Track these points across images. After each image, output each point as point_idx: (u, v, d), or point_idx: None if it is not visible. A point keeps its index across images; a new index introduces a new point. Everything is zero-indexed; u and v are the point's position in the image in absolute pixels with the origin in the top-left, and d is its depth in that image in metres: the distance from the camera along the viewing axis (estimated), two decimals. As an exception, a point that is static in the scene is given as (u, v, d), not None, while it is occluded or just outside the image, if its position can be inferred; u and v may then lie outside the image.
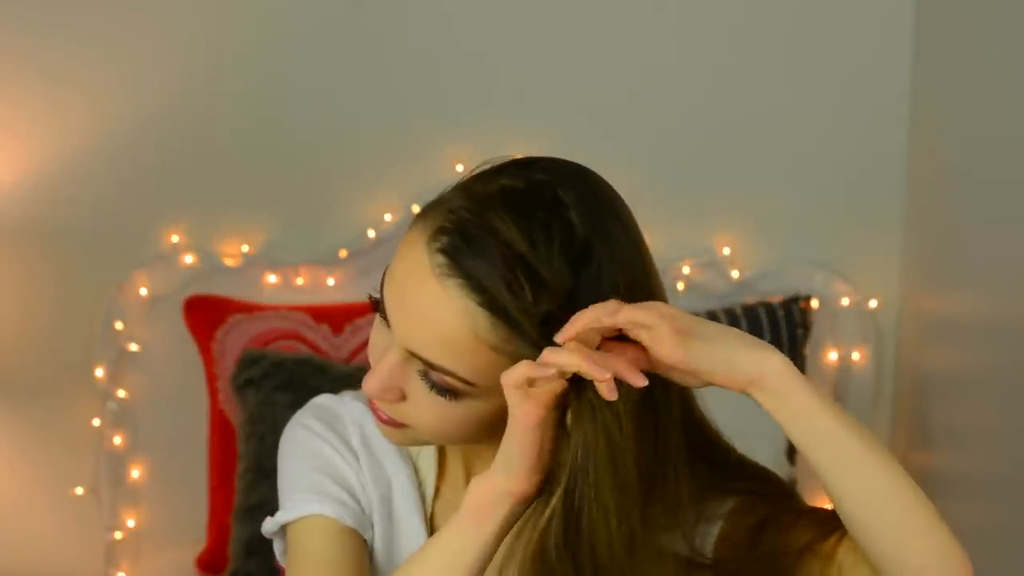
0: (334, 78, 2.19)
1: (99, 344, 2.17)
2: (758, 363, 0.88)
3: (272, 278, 2.20)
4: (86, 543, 2.21)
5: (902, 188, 2.19)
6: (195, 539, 2.12)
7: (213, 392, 2.12)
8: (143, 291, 2.18)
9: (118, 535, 2.19)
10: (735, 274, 2.20)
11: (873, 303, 2.21)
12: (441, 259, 0.88)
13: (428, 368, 0.90)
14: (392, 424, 0.95)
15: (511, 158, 0.94)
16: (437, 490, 1.07)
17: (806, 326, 2.13)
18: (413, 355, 0.90)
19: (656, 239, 2.18)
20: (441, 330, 0.88)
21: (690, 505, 0.97)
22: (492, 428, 0.94)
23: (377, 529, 1.04)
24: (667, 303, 0.92)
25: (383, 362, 0.92)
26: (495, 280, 0.86)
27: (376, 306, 0.93)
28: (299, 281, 2.20)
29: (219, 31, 2.18)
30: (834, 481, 0.89)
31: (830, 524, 0.95)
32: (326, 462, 1.04)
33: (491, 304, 0.86)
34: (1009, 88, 1.79)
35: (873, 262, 2.22)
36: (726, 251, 2.21)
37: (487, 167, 0.94)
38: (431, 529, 1.05)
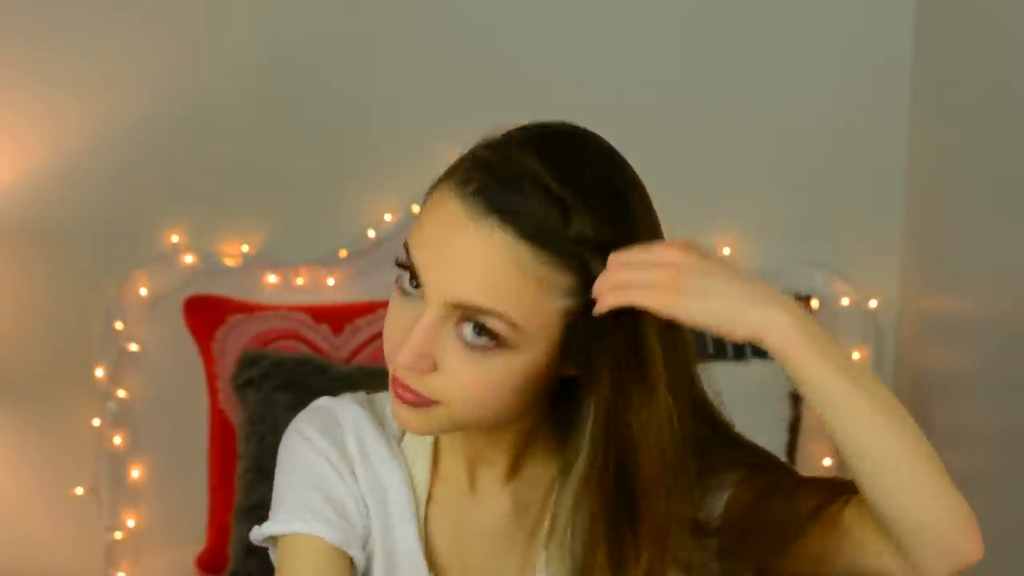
0: (334, 78, 2.19)
1: (99, 344, 2.17)
2: (760, 321, 0.88)
3: (272, 278, 2.20)
4: (86, 543, 2.22)
5: (902, 188, 2.19)
6: (195, 539, 2.12)
7: (213, 392, 2.12)
8: (143, 291, 2.18)
9: (118, 535, 2.19)
10: (736, 273, 2.20)
11: (873, 303, 2.21)
12: (474, 201, 0.89)
13: (475, 314, 0.89)
14: (419, 403, 0.93)
15: (525, 123, 0.98)
16: (431, 492, 1.06)
17: (806, 326, 2.13)
18: (457, 307, 0.89)
19: (656, 239, 2.20)
20: (486, 270, 0.88)
21: (698, 473, 0.97)
22: (522, 398, 0.93)
23: (376, 535, 1.04)
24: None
25: (416, 329, 0.91)
26: (530, 210, 0.88)
27: (404, 272, 0.93)
28: (299, 281, 2.20)
29: (219, 31, 2.18)
30: (844, 440, 0.89)
31: (835, 490, 0.96)
32: (320, 477, 1.02)
33: (531, 234, 0.88)
34: (1009, 88, 1.79)
35: (873, 262, 2.22)
36: (726, 251, 2.21)
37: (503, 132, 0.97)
38: (424, 533, 1.04)
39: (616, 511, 0.93)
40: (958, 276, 2.01)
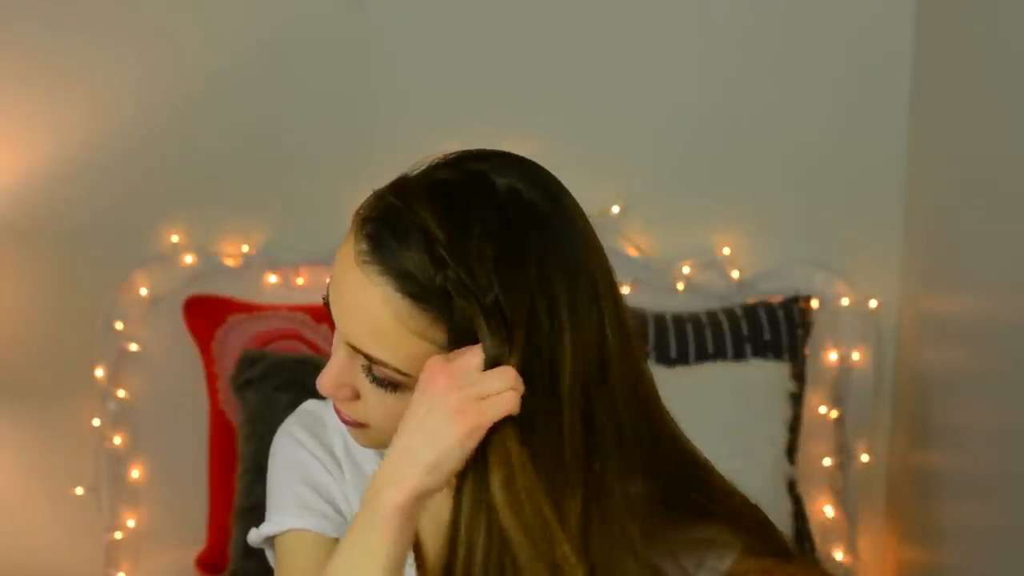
0: (334, 78, 2.19)
1: (99, 344, 2.17)
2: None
3: (272, 278, 2.20)
4: (86, 543, 2.22)
5: (902, 188, 2.19)
6: (195, 539, 2.13)
7: (213, 392, 2.12)
8: (143, 291, 2.18)
9: (118, 535, 2.19)
10: (735, 274, 2.20)
11: (873, 303, 2.21)
12: (364, 246, 0.89)
13: (367, 360, 0.90)
14: (354, 424, 0.96)
15: (457, 152, 0.94)
16: None
17: (806, 326, 2.13)
18: (354, 349, 0.91)
19: (656, 239, 2.20)
20: (368, 319, 0.88)
21: (690, 552, 0.96)
22: None
23: None
24: (617, 294, 0.91)
25: (332, 359, 0.93)
26: (413, 267, 0.87)
27: (328, 307, 0.94)
28: (299, 281, 2.21)
29: (219, 32, 2.18)
30: None
31: None
32: (309, 474, 1.05)
33: (410, 290, 0.87)
34: (1008, 89, 1.79)
35: (873, 262, 2.22)
36: (726, 251, 2.21)
37: (431, 160, 0.93)
38: None
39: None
40: (958, 276, 2.01)
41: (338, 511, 1.04)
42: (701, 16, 2.18)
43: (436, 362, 0.87)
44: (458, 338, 0.87)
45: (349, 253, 0.90)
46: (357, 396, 0.94)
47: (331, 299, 0.92)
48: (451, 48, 2.19)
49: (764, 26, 2.18)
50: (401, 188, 0.90)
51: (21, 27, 2.15)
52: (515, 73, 2.19)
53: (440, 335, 0.88)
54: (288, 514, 1.03)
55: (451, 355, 0.87)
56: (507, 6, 2.18)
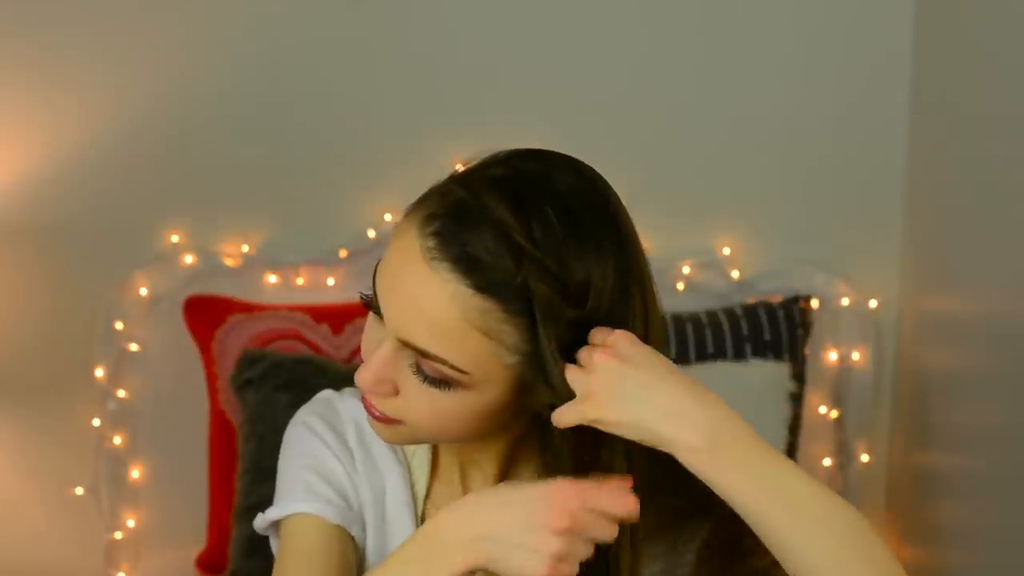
0: (334, 78, 2.19)
1: (99, 344, 2.17)
2: (671, 440, 0.87)
3: (272, 278, 2.20)
4: (86, 543, 2.22)
5: (902, 188, 2.19)
6: (195, 539, 2.13)
7: (213, 392, 2.12)
8: (143, 291, 2.18)
9: (118, 535, 2.19)
10: (735, 274, 2.20)
11: (873, 303, 2.21)
12: (432, 242, 0.88)
13: (420, 357, 0.89)
14: (385, 421, 0.95)
15: (507, 150, 0.94)
16: (429, 489, 1.07)
17: (806, 326, 2.13)
18: (406, 344, 0.90)
19: (656, 239, 2.19)
20: (432, 315, 0.87)
21: (664, 534, 0.97)
22: (486, 424, 0.94)
23: (370, 529, 1.05)
24: (657, 315, 0.93)
25: (376, 354, 0.92)
26: (485, 262, 0.86)
27: (368, 304, 0.94)
28: (299, 281, 2.21)
29: (220, 31, 2.18)
30: (770, 545, 0.88)
31: None
32: (319, 461, 1.04)
33: (481, 286, 0.86)
34: (1008, 89, 1.79)
35: (873, 262, 2.22)
36: (726, 251, 2.21)
37: (482, 158, 0.94)
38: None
39: None
40: (958, 276, 2.01)
41: (344, 498, 1.03)
42: (701, 16, 2.18)
43: (568, 485, 0.85)
44: (532, 332, 0.87)
45: (411, 249, 0.88)
46: (396, 392, 0.93)
47: (382, 295, 0.91)
48: (451, 48, 2.19)
49: (764, 26, 2.18)
50: (466, 183, 0.90)
51: (21, 27, 2.15)
52: (515, 73, 2.19)
53: (509, 335, 0.88)
54: (294, 499, 1.03)
55: (586, 487, 0.85)
56: (507, 6, 2.18)
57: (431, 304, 0.87)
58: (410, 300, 0.89)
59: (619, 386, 0.87)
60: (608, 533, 0.85)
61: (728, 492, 0.87)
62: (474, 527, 0.84)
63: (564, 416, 0.89)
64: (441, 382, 0.90)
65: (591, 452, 0.92)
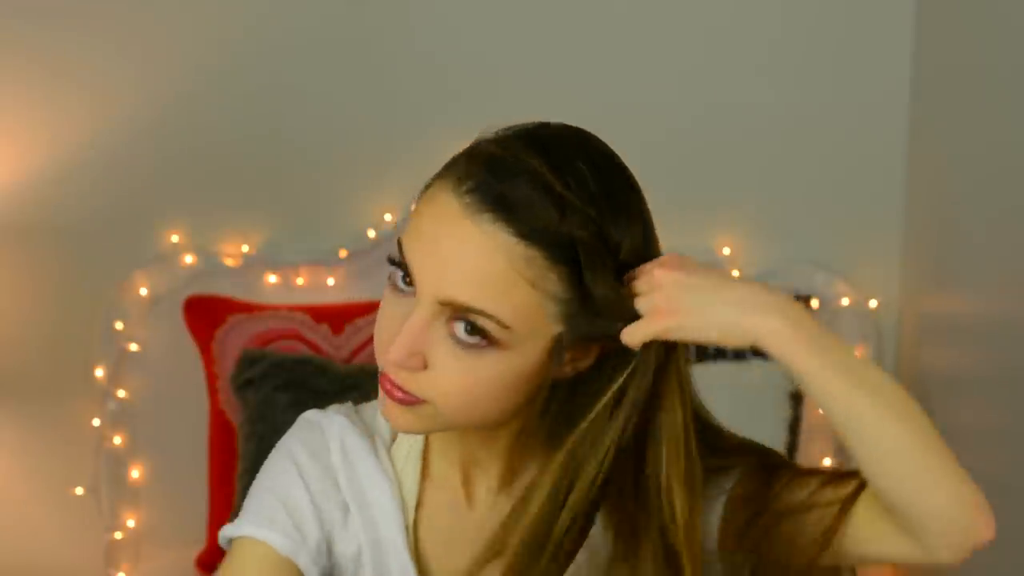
0: (334, 78, 2.19)
1: (99, 344, 2.17)
2: (755, 329, 0.89)
3: (272, 278, 2.20)
4: (86, 543, 2.22)
5: (902, 188, 2.19)
6: (195, 539, 2.13)
7: (213, 392, 2.12)
8: (143, 291, 2.18)
9: (118, 535, 2.19)
10: (735, 274, 2.20)
11: (873, 303, 2.21)
12: (470, 198, 0.88)
13: (465, 314, 0.88)
14: (409, 402, 0.93)
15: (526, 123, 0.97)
16: (421, 497, 1.05)
17: (806, 326, 2.13)
18: (448, 304, 0.88)
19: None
20: (478, 268, 0.87)
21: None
22: (513, 398, 0.92)
23: (364, 545, 1.03)
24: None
25: (407, 326, 0.90)
26: (527, 209, 0.87)
27: (399, 265, 0.92)
28: (299, 281, 2.20)
29: (219, 31, 2.18)
30: (848, 434, 0.90)
31: (842, 477, 0.97)
32: (286, 492, 1.02)
33: (527, 233, 0.87)
34: (1009, 88, 1.79)
35: (873, 262, 2.22)
36: (726, 251, 2.21)
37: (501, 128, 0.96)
38: (414, 539, 1.04)
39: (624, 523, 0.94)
40: (958, 276, 2.01)
41: (303, 533, 1.01)
42: (701, 16, 2.18)
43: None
44: (574, 280, 0.89)
45: (447, 209, 0.88)
46: (425, 366, 0.91)
47: (417, 260, 0.89)
48: (451, 48, 2.19)
49: (764, 26, 2.18)
50: (496, 141, 0.92)
51: (21, 26, 2.15)
52: (515, 73, 2.19)
53: (553, 283, 0.88)
54: (249, 521, 1.02)
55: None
56: (507, 6, 2.19)
57: (477, 257, 0.87)
58: (454, 258, 0.88)
59: (688, 294, 0.90)
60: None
61: (814, 379, 0.89)
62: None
63: (637, 332, 0.90)
64: (477, 347, 0.89)
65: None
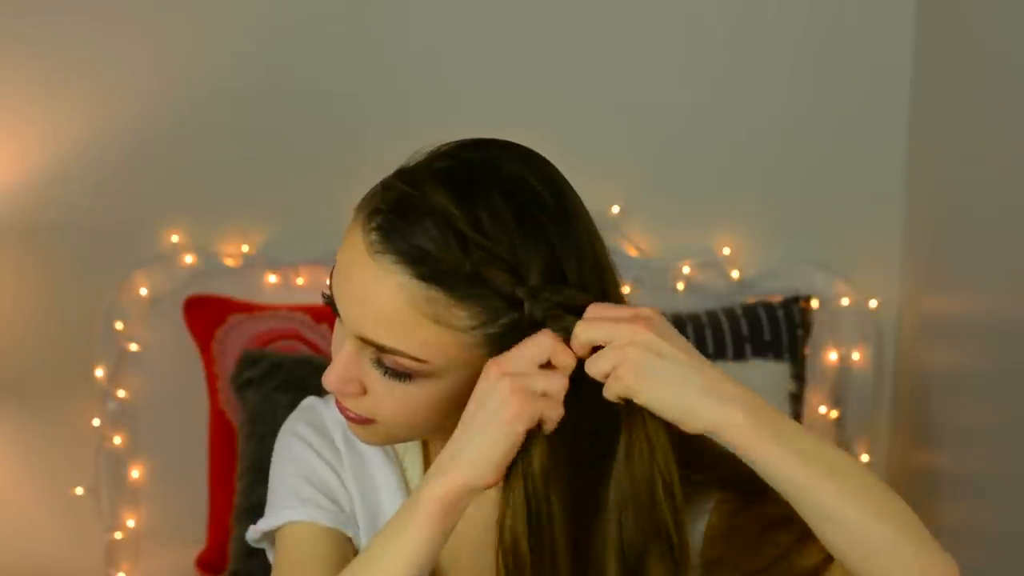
0: (334, 78, 2.19)
1: (99, 344, 2.17)
2: (713, 419, 0.86)
3: (272, 278, 2.21)
4: (86, 543, 2.22)
5: (902, 188, 2.19)
6: (195, 539, 2.13)
7: (213, 392, 2.12)
8: (143, 291, 2.18)
9: (118, 535, 2.19)
10: (735, 274, 2.20)
11: (873, 303, 2.21)
12: (376, 236, 0.88)
13: (379, 352, 0.90)
14: (359, 421, 0.95)
15: (452, 141, 0.95)
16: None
17: (806, 326, 2.13)
18: (364, 341, 0.90)
19: (656, 239, 2.20)
20: (382, 309, 0.88)
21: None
22: (458, 411, 0.93)
23: (363, 530, 1.05)
24: (620, 296, 0.92)
25: (339, 355, 0.92)
26: (429, 251, 0.87)
27: (329, 303, 0.94)
28: (299, 281, 2.21)
29: (219, 31, 2.18)
30: (810, 518, 0.89)
31: (811, 538, 0.95)
32: (307, 467, 1.05)
33: (425, 275, 0.87)
34: (1009, 88, 1.79)
35: (873, 262, 2.22)
36: (726, 251, 2.21)
37: (428, 150, 0.94)
38: None
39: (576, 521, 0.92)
40: (958, 276, 2.01)
41: (336, 502, 1.04)
42: (701, 16, 2.18)
43: (492, 360, 0.88)
44: (487, 316, 0.87)
45: (357, 245, 0.89)
46: (364, 391, 0.93)
47: (336, 293, 0.92)
48: (451, 48, 2.19)
49: (764, 26, 2.18)
50: (408, 177, 0.90)
51: (21, 26, 2.15)
52: (515, 73, 2.19)
53: (462, 319, 0.88)
54: (285, 507, 1.03)
55: (507, 353, 0.87)
56: (507, 6, 2.18)
57: (379, 297, 0.88)
58: (361, 296, 0.89)
59: (659, 363, 0.86)
60: (548, 380, 0.86)
61: (773, 467, 0.87)
62: (445, 458, 0.88)
63: (608, 390, 0.87)
64: (404, 375, 0.90)
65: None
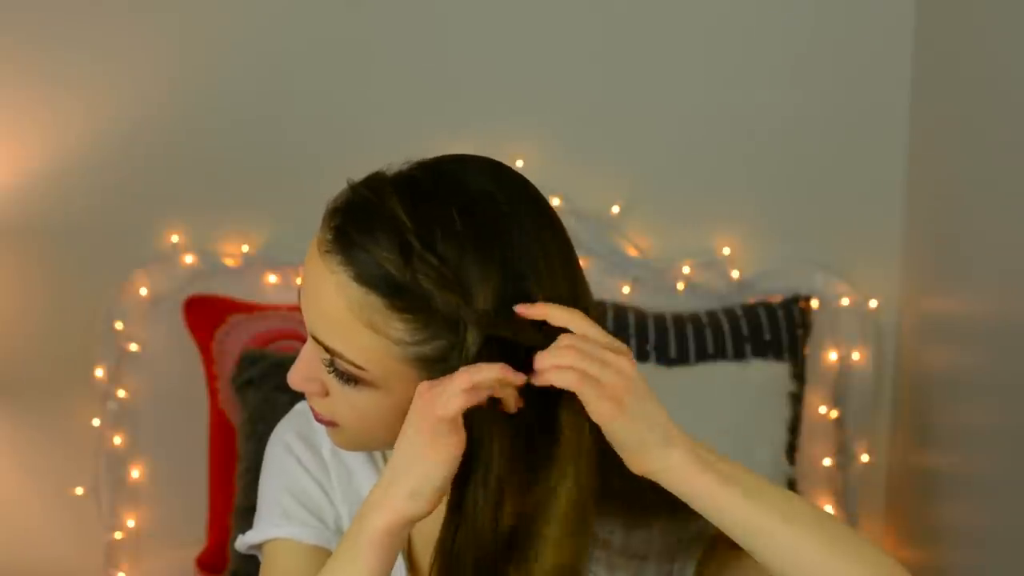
0: (334, 78, 2.19)
1: (99, 344, 2.17)
2: (661, 458, 0.87)
3: (272, 278, 2.21)
4: (86, 543, 2.22)
5: (902, 188, 2.19)
6: (195, 539, 2.13)
7: (213, 392, 2.12)
8: (143, 291, 2.18)
9: (118, 535, 2.19)
10: (735, 274, 2.20)
11: (873, 303, 2.21)
12: (330, 236, 0.90)
13: (327, 352, 0.90)
14: (326, 423, 0.96)
15: (432, 157, 0.95)
16: None
17: (806, 326, 2.13)
18: (315, 340, 0.91)
19: (656, 239, 2.20)
20: (325, 308, 0.89)
21: (658, 559, 0.98)
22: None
23: None
24: (588, 309, 0.90)
25: (301, 354, 0.93)
26: (377, 256, 0.86)
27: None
28: (299, 281, 2.20)
29: (219, 31, 2.18)
30: (755, 553, 0.89)
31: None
32: (293, 482, 1.06)
33: (365, 279, 0.87)
34: (1009, 88, 1.79)
35: (873, 262, 2.22)
36: (726, 251, 2.21)
37: (408, 161, 0.94)
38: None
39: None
40: (958, 276, 2.01)
41: (321, 519, 1.04)
42: (701, 16, 2.18)
43: (422, 385, 0.86)
44: (424, 333, 0.86)
45: (314, 242, 0.91)
46: (326, 392, 0.93)
47: (300, 287, 0.93)
48: (451, 48, 2.19)
49: (764, 26, 2.18)
50: (373, 182, 0.92)
51: (20, 26, 2.15)
52: (515, 73, 2.19)
53: (399, 331, 0.87)
54: (270, 523, 1.04)
55: (437, 380, 0.86)
56: (507, 7, 2.18)
57: (324, 296, 0.89)
58: (312, 294, 0.90)
59: (635, 398, 0.86)
60: (450, 403, 0.84)
61: (718, 511, 0.87)
62: (383, 489, 0.87)
63: (585, 390, 0.85)
64: (351, 379, 0.90)
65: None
